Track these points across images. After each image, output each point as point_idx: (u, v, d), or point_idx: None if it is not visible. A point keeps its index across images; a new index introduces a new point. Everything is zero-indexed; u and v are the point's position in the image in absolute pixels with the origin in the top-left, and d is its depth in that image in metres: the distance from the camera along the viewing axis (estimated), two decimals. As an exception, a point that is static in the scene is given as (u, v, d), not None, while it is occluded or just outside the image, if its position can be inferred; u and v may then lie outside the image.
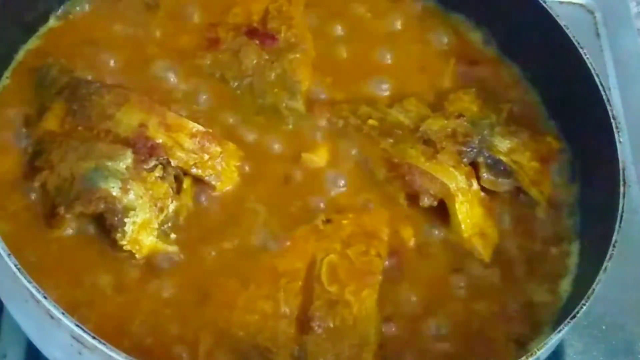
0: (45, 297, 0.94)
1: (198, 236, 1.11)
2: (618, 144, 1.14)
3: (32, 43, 1.23)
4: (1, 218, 1.07)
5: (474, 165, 1.18)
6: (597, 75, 1.19)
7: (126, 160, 1.08)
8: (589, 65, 1.19)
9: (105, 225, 1.07)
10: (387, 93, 1.26)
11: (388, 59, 1.30)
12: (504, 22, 1.30)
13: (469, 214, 1.16)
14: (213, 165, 1.13)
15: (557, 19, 1.24)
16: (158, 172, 1.10)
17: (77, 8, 1.26)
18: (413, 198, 1.17)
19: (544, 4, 1.25)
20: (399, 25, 1.34)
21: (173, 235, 1.10)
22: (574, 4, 1.60)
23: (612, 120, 1.15)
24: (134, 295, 1.06)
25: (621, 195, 1.10)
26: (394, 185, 1.18)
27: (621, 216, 1.08)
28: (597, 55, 1.51)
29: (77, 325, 0.93)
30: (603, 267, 1.05)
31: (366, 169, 1.19)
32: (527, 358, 0.99)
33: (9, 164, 1.12)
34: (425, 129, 1.19)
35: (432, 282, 1.13)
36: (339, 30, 1.31)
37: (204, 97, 1.21)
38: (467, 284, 1.13)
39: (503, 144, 1.20)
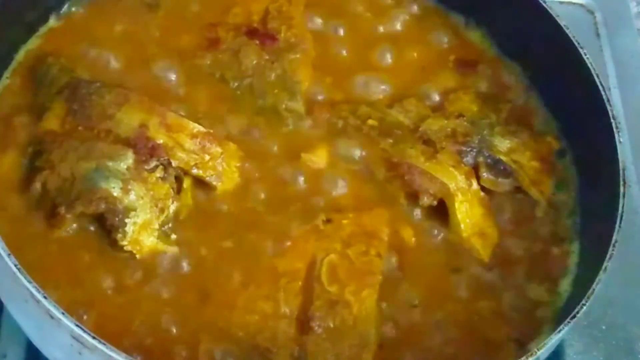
0: (45, 297, 0.94)
1: (198, 236, 1.11)
2: (618, 144, 1.14)
3: (32, 43, 1.23)
4: (1, 218, 1.07)
5: (473, 165, 1.18)
6: (597, 75, 1.19)
7: (127, 160, 1.08)
8: (589, 65, 1.19)
9: (105, 225, 1.07)
10: (387, 93, 1.26)
11: (388, 59, 1.30)
12: (504, 22, 1.30)
13: (468, 213, 1.16)
14: (214, 166, 1.13)
15: (557, 19, 1.24)
16: (159, 173, 1.10)
17: (78, 8, 1.26)
18: (413, 198, 1.17)
19: (544, 4, 1.25)
20: (398, 25, 1.34)
21: (173, 236, 1.10)
22: (574, 4, 1.60)
23: (612, 120, 1.15)
24: (134, 296, 1.06)
25: (621, 195, 1.10)
26: (394, 185, 1.18)
27: (621, 216, 1.08)
28: (597, 55, 1.51)
29: (77, 325, 0.93)
30: (603, 267, 1.05)
31: (366, 169, 1.19)
32: (527, 358, 0.99)
33: (9, 164, 1.12)
34: (425, 129, 1.19)
35: (432, 282, 1.13)
36: (339, 30, 1.31)
37: (204, 97, 1.21)
38: (467, 283, 1.13)
39: (503, 144, 1.20)
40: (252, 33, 1.25)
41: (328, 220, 1.14)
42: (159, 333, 1.04)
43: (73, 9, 1.26)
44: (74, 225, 1.08)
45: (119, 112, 1.12)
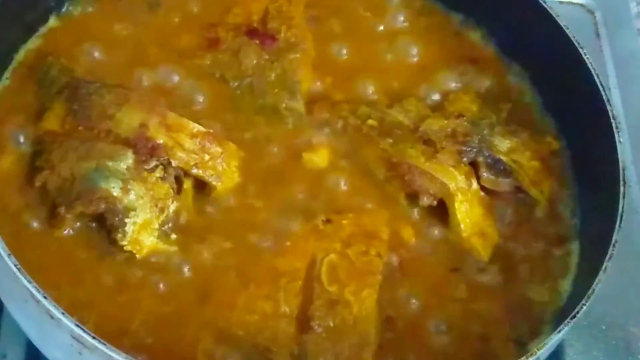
0: (45, 297, 0.94)
1: (198, 236, 1.11)
2: (618, 144, 1.14)
3: (32, 43, 1.23)
4: (1, 218, 1.07)
5: (473, 164, 1.18)
6: (597, 75, 1.19)
7: (127, 160, 1.08)
8: (589, 65, 1.19)
9: (105, 225, 1.07)
10: (386, 93, 1.26)
11: (388, 59, 1.30)
12: (504, 22, 1.30)
13: (468, 213, 1.16)
14: (214, 166, 1.13)
15: (557, 19, 1.24)
16: (159, 173, 1.10)
17: (78, 8, 1.26)
18: (413, 198, 1.17)
19: (544, 4, 1.25)
20: (398, 24, 1.33)
21: (173, 236, 1.10)
22: (574, 4, 1.60)
23: (612, 120, 1.15)
24: (134, 295, 1.06)
25: (621, 195, 1.10)
26: (394, 185, 1.18)
27: (621, 216, 1.08)
28: (597, 55, 1.51)
29: (77, 325, 0.93)
30: (603, 267, 1.05)
31: (366, 169, 1.19)
32: (527, 358, 0.99)
33: (9, 163, 1.12)
34: (425, 128, 1.19)
35: (432, 282, 1.13)
36: (339, 30, 1.31)
37: (204, 97, 1.21)
38: (467, 284, 1.13)
39: (503, 144, 1.20)
40: (252, 33, 1.25)
41: (328, 220, 1.14)
42: (159, 333, 1.04)
43: (73, 9, 1.26)
44: (74, 225, 1.08)
45: (119, 112, 1.12)
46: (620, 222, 1.08)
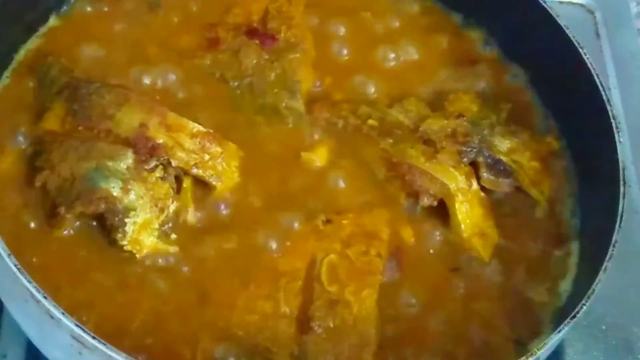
0: (45, 297, 0.94)
1: (198, 236, 1.11)
2: (618, 144, 1.14)
3: (33, 43, 1.23)
4: (1, 218, 1.07)
5: (473, 165, 1.18)
6: (597, 75, 1.19)
7: (127, 160, 1.08)
8: (589, 65, 1.19)
9: (105, 225, 1.07)
10: (387, 93, 1.26)
11: (388, 59, 1.30)
12: (504, 22, 1.30)
13: (468, 213, 1.16)
14: (214, 166, 1.13)
15: (557, 19, 1.24)
16: (159, 173, 1.10)
17: (78, 8, 1.26)
18: (413, 198, 1.17)
19: (544, 4, 1.25)
20: (398, 24, 1.34)
21: (173, 236, 1.10)
22: (574, 4, 1.60)
23: (612, 120, 1.15)
24: (134, 295, 1.06)
25: (621, 195, 1.10)
26: (394, 185, 1.18)
27: (621, 216, 1.08)
28: (597, 55, 1.51)
29: (77, 325, 0.93)
30: (603, 267, 1.05)
31: (366, 169, 1.19)
32: (527, 358, 0.99)
33: (9, 164, 1.12)
34: (425, 128, 1.19)
35: (432, 282, 1.13)
36: (339, 30, 1.31)
37: (204, 97, 1.21)
38: (466, 284, 1.13)
39: (503, 144, 1.20)
40: (252, 33, 1.25)
41: (328, 221, 1.14)
42: (159, 333, 1.04)
43: (73, 8, 1.26)
44: (74, 225, 1.08)
45: (119, 112, 1.12)
46: (620, 222, 1.08)
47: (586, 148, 1.22)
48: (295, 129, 1.21)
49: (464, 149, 1.17)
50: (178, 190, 1.11)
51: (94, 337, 0.92)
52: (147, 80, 1.21)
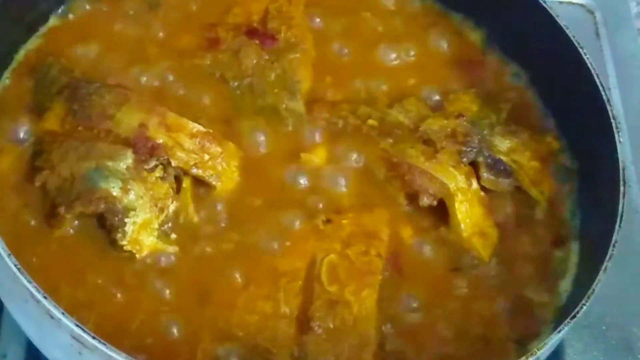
0: (45, 297, 0.94)
1: (198, 236, 1.11)
2: (618, 144, 1.14)
3: (32, 43, 1.23)
4: (1, 218, 1.07)
5: (473, 164, 1.18)
6: (597, 75, 1.19)
7: (127, 160, 1.09)
8: (589, 65, 1.19)
9: (105, 225, 1.07)
10: (386, 93, 1.26)
11: (388, 59, 1.30)
12: (504, 22, 1.30)
13: (468, 213, 1.15)
14: (213, 166, 1.13)
15: (557, 19, 1.24)
16: (158, 173, 1.10)
17: (78, 7, 1.26)
18: (413, 198, 1.17)
19: (544, 4, 1.25)
20: (398, 24, 1.33)
21: (173, 236, 1.10)
22: (574, 4, 1.60)
23: (612, 120, 1.15)
24: (134, 295, 1.06)
25: (621, 195, 1.10)
26: (394, 185, 1.18)
27: (621, 216, 1.08)
28: (597, 55, 1.51)
29: (77, 325, 0.93)
30: (603, 267, 1.05)
31: (366, 169, 1.19)
32: (527, 358, 0.99)
33: (9, 164, 1.12)
34: (425, 128, 1.19)
35: (432, 282, 1.13)
36: (339, 30, 1.31)
37: (204, 97, 1.21)
38: (466, 283, 1.13)
39: (503, 144, 1.20)
40: (252, 33, 1.25)
41: (328, 220, 1.14)
42: (159, 333, 1.04)
43: (73, 8, 1.26)
44: (74, 225, 1.08)
45: (119, 112, 1.12)
46: (620, 222, 1.07)
47: (586, 148, 1.22)
48: (295, 129, 1.21)
49: (464, 148, 1.17)
50: (178, 190, 1.12)
51: (94, 337, 0.92)
52: (146, 80, 1.21)
